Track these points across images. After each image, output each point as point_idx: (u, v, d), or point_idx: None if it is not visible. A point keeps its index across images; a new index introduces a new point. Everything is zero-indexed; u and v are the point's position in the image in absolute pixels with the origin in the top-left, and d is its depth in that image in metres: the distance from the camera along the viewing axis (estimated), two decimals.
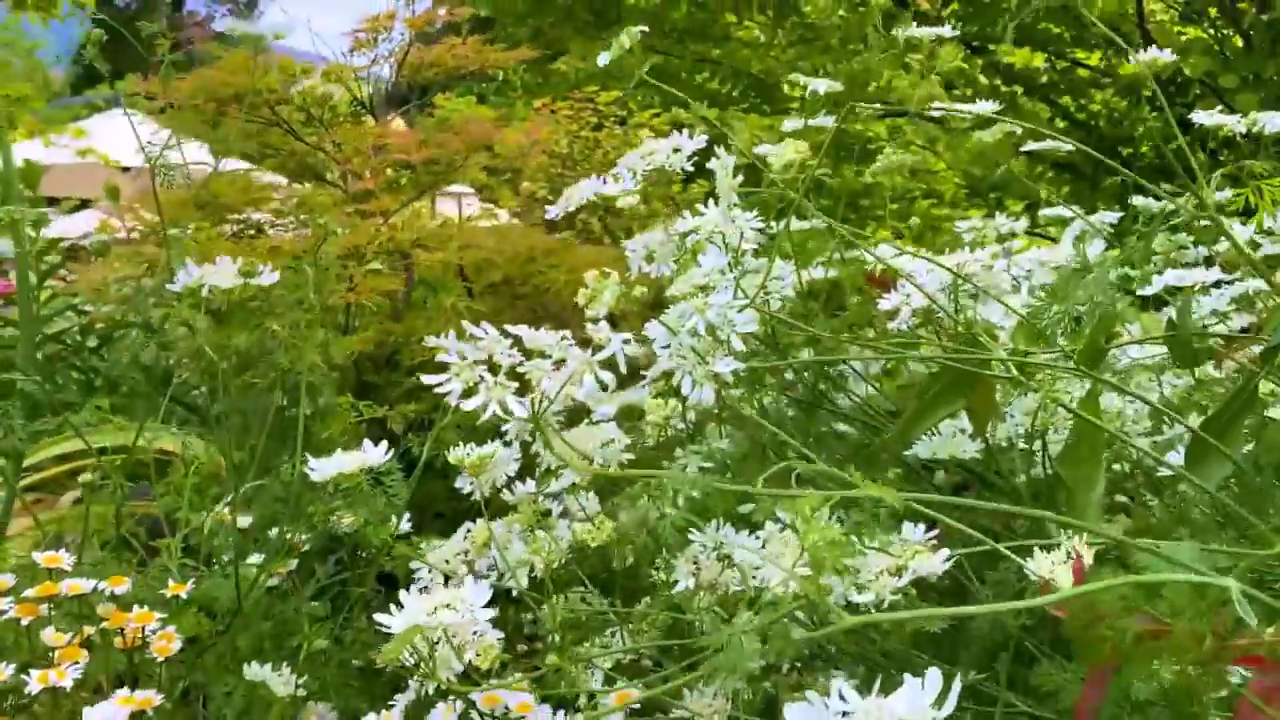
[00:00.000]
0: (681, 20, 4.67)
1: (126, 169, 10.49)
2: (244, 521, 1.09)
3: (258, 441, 1.17)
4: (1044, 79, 4.60)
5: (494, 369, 0.49)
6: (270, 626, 0.81)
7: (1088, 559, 0.46)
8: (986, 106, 0.88)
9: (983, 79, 4.54)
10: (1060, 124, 4.68)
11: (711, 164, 0.70)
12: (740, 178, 0.69)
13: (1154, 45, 3.52)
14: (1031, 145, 1.62)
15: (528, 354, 0.55)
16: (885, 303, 0.72)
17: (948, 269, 0.68)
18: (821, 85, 0.85)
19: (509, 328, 0.53)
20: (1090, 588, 0.36)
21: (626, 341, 0.51)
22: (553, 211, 0.76)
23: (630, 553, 0.64)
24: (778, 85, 4.70)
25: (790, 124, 1.03)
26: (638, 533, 0.62)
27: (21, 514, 1.56)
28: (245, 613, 0.88)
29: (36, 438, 1.67)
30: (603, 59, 0.75)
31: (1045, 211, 1.17)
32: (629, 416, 0.82)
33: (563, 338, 0.51)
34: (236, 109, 1.62)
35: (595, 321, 0.54)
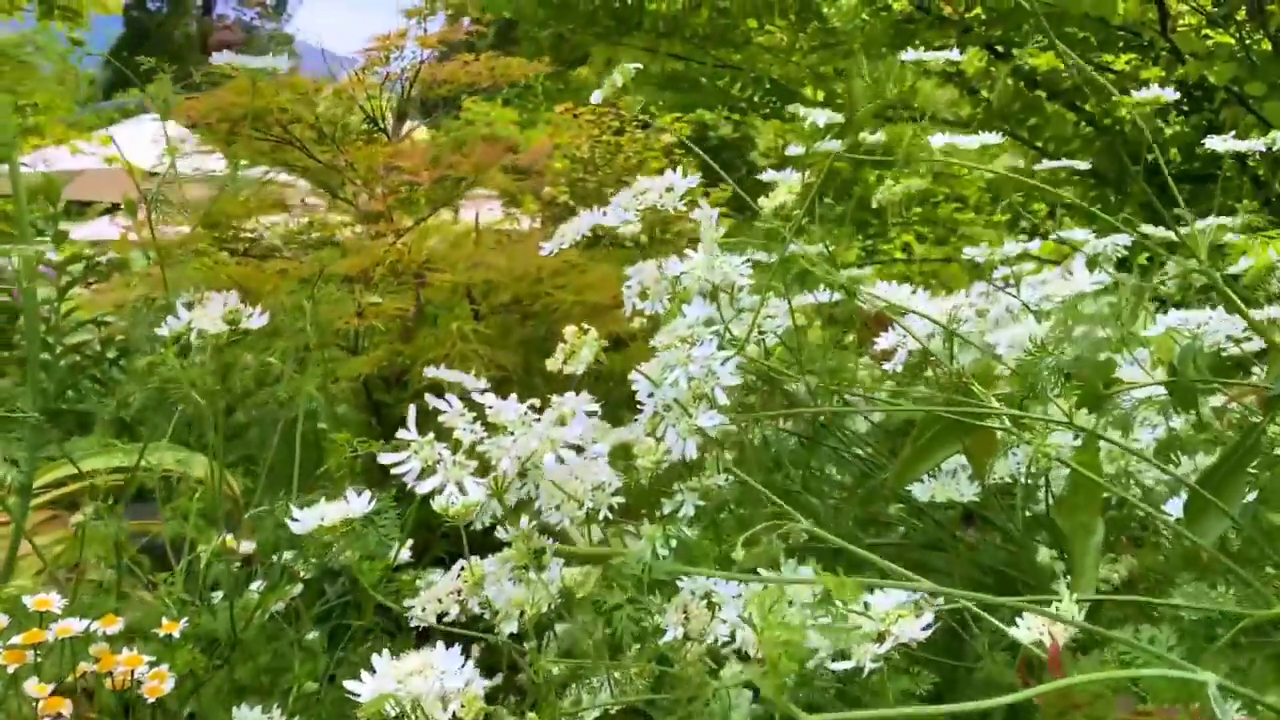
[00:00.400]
0: (703, 25, 4.66)
1: (154, 173, 10.60)
2: (247, 547, 1.10)
3: (261, 468, 1.17)
4: (1068, 83, 4.55)
5: (455, 446, 0.49)
6: (268, 659, 0.81)
7: (1062, 639, 0.45)
8: (991, 139, 0.87)
9: (1007, 83, 4.50)
10: (1085, 129, 4.63)
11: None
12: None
13: (1177, 53, 3.47)
14: (1046, 164, 1.60)
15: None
16: (882, 342, 0.71)
17: (935, 321, 0.67)
18: (821, 117, 0.84)
19: (477, 396, 0.52)
20: (1066, 683, 0.35)
21: (593, 413, 0.50)
22: (548, 248, 0.76)
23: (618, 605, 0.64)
24: (799, 90, 4.68)
25: (792, 149, 1.02)
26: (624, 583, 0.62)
27: (42, 527, 1.57)
28: (245, 644, 0.88)
29: (51, 458, 1.68)
30: (596, 97, 0.74)
31: (1060, 234, 1.15)
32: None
33: (529, 408, 0.51)
34: (249, 128, 1.62)
35: (572, 382, 0.54)
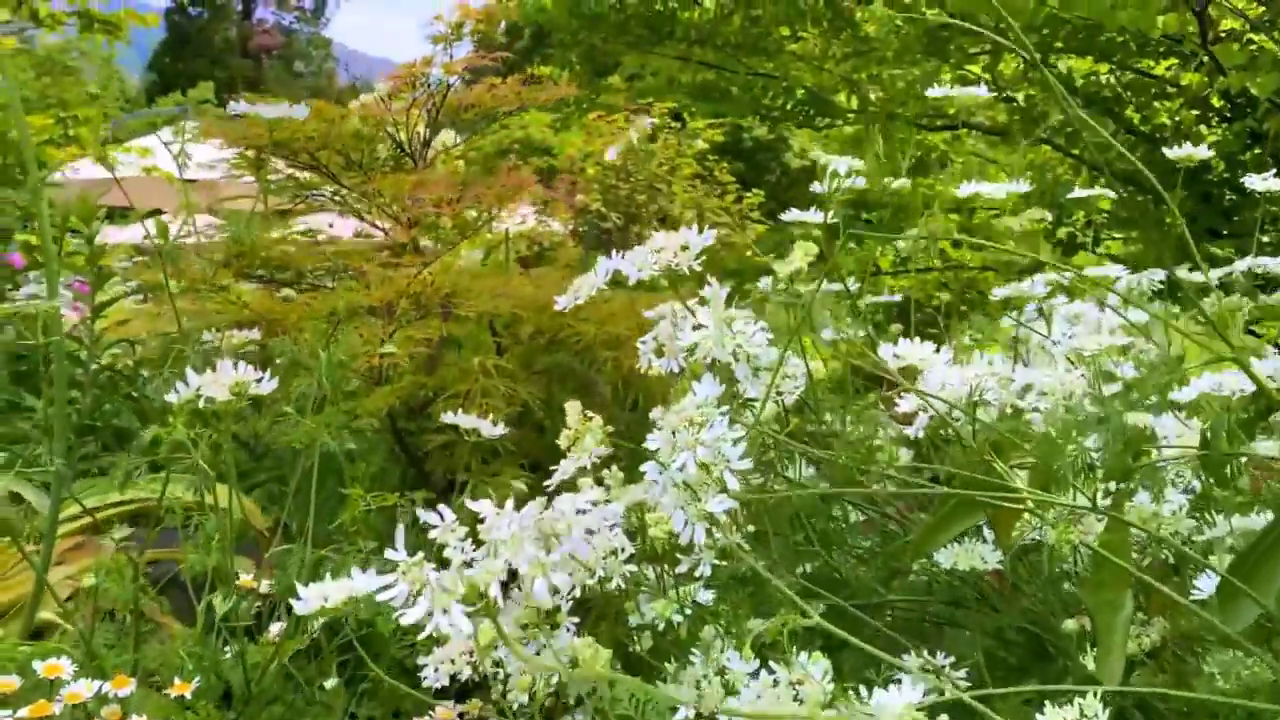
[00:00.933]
0: (734, 34, 4.63)
1: (192, 180, 10.72)
2: (267, 585, 1.10)
3: (286, 494, 1.17)
4: (1106, 91, 4.48)
5: (443, 564, 0.48)
6: (282, 711, 0.81)
7: None
8: (1019, 187, 0.85)
9: (1040, 92, 4.44)
10: (1123, 138, 4.55)
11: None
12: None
13: (1219, 66, 3.39)
14: (1079, 192, 1.56)
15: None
16: (903, 405, 0.69)
17: (952, 404, 0.65)
18: (843, 165, 0.82)
19: (471, 503, 0.51)
20: None
21: (591, 532, 0.49)
22: (563, 302, 0.74)
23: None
24: (831, 97, 4.65)
25: (797, 213, 1.01)
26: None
27: (69, 554, 1.59)
28: (262, 690, 0.88)
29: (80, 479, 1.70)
30: (611, 153, 0.73)
31: (1090, 271, 1.12)
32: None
33: (522, 529, 0.49)
34: (276, 155, 1.63)
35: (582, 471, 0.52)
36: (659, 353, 0.71)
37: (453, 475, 1.38)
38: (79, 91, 4.89)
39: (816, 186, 0.93)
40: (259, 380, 0.70)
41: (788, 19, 4.44)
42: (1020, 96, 4.75)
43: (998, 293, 1.12)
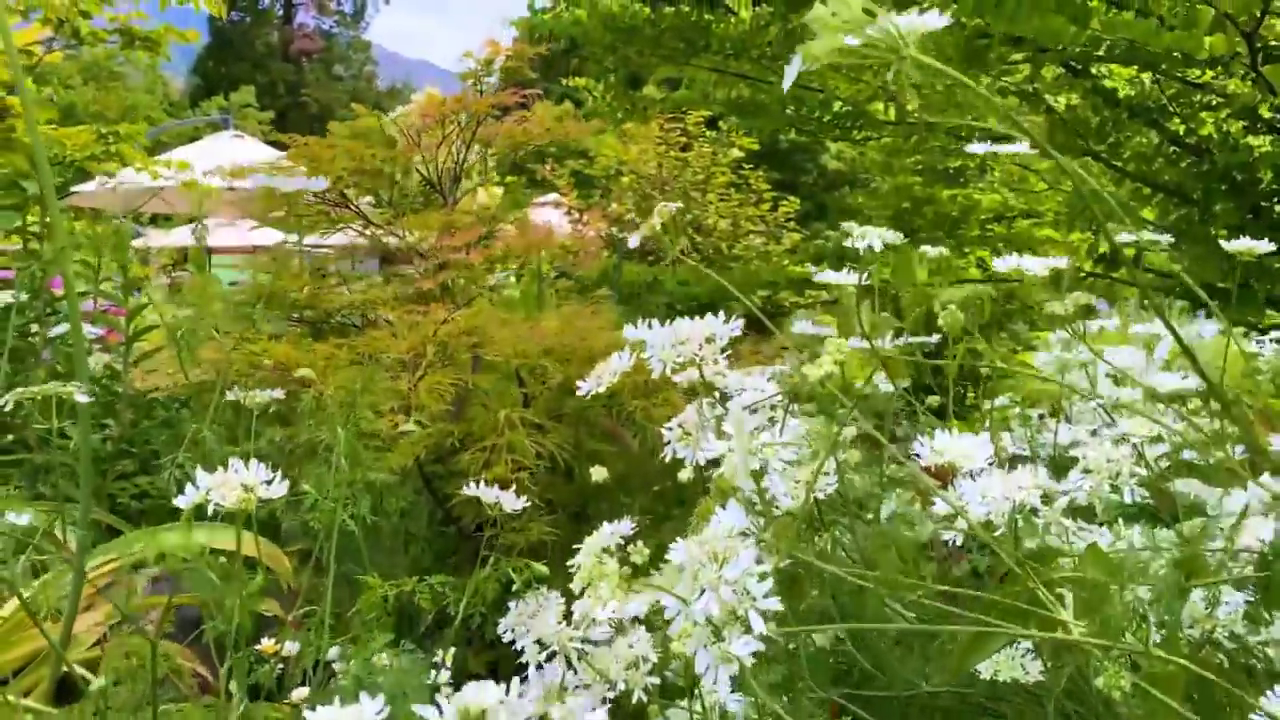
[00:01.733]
0: (771, 46, 4.59)
1: (232, 188, 10.79)
2: (291, 648, 1.08)
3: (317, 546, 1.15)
4: (1151, 100, 4.39)
5: None
6: None
7: None
8: (1060, 263, 0.81)
9: (1085, 103, 4.36)
10: (1168, 150, 4.45)
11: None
12: None
13: (1270, 88, 3.30)
14: (1125, 237, 1.52)
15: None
16: (940, 506, 0.66)
17: (989, 530, 0.61)
18: (876, 240, 0.79)
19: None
20: None
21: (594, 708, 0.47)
22: (586, 387, 0.72)
23: None
24: (869, 108, 4.60)
25: (831, 275, 0.97)
26: None
27: (95, 597, 1.59)
28: None
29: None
30: (633, 243, 0.70)
31: (1138, 328, 1.07)
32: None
33: (517, 695, 0.47)
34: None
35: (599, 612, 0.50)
36: (684, 439, 0.69)
37: (481, 519, 1.37)
38: (120, 102, 4.95)
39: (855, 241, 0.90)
40: (269, 483, 0.69)
41: None
42: (1060, 104, 4.67)
43: (1041, 360, 1.07)
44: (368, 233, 1.62)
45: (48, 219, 2.26)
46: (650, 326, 0.79)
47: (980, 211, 5.37)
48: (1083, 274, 5.04)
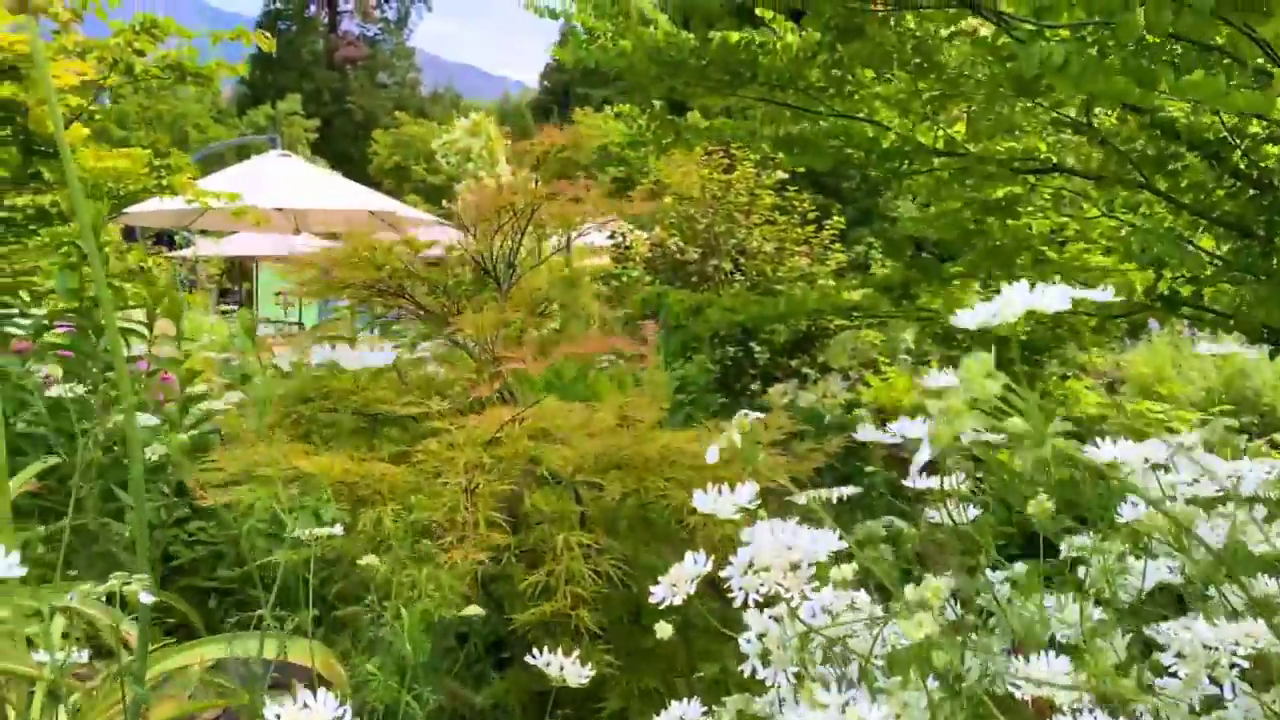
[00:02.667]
0: (817, 77, 4.55)
1: (280, 209, 11.01)
2: None
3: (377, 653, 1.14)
4: (1211, 134, 4.29)
5: None
6: None
7: None
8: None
9: (1142, 136, 4.27)
10: (1228, 182, 4.35)
11: None
12: None
13: None
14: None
15: None
16: None
17: None
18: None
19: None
20: None
21: None
22: (660, 593, 0.70)
23: None
24: (918, 141, 4.54)
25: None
26: None
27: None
28: None
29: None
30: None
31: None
32: None
33: None
34: (362, 280, 1.62)
35: None
36: (765, 659, 0.66)
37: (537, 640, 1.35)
38: (170, 110, 4.98)
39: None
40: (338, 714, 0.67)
41: (873, 62, 4.34)
42: (1117, 136, 4.58)
43: (1125, 515, 1.02)
44: (422, 314, 1.61)
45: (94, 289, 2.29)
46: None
47: (1033, 239, 5.27)
48: (1139, 308, 4.93)
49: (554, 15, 4.56)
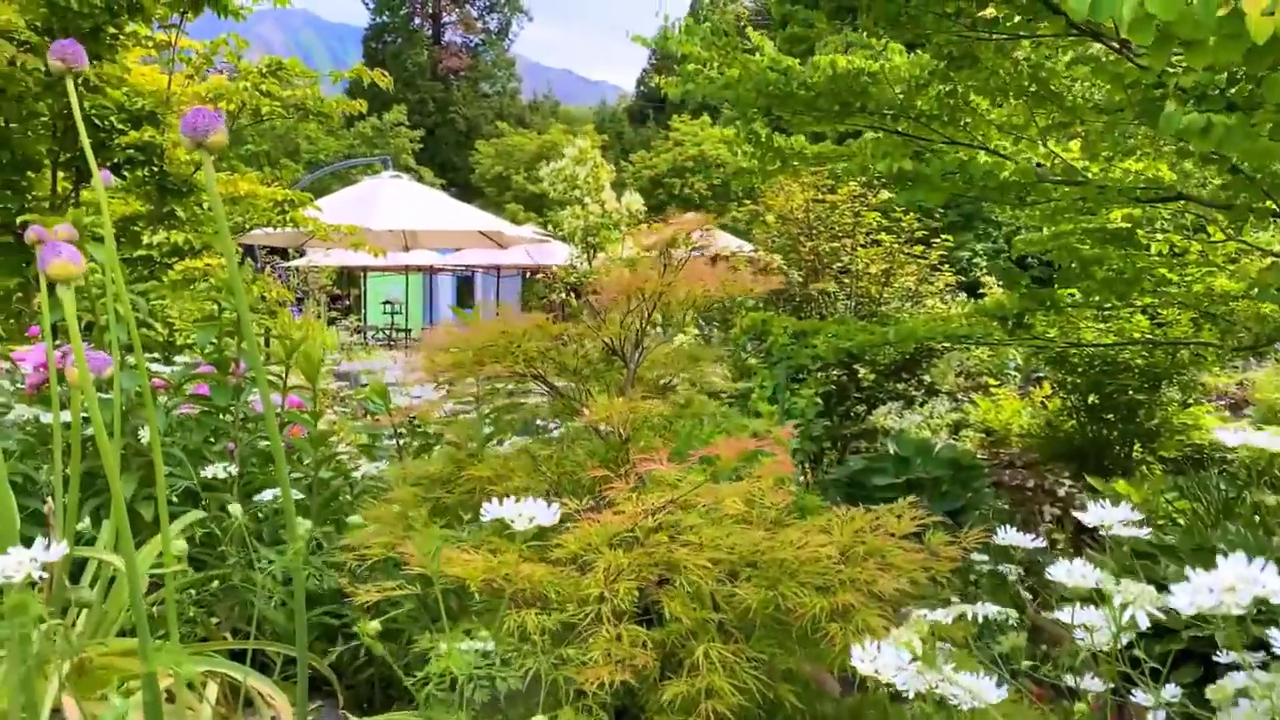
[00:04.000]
0: (929, 106, 4.48)
1: (391, 231, 11.26)
2: None
3: None
4: None
5: None
6: None
7: None
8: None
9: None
10: None
11: None
12: None
13: None
14: None
15: None
16: None
17: None
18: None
19: None
20: None
21: None
22: None
23: None
24: (1035, 170, 4.43)
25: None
26: None
27: None
28: None
29: None
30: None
31: None
32: None
33: None
34: (492, 360, 1.66)
35: None
36: None
37: None
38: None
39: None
40: None
41: (989, 91, 4.26)
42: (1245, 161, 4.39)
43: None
44: (552, 392, 1.65)
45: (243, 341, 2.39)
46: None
47: (1154, 265, 5.08)
48: (1269, 339, 4.71)
49: (666, 50, 4.59)
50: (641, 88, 54.28)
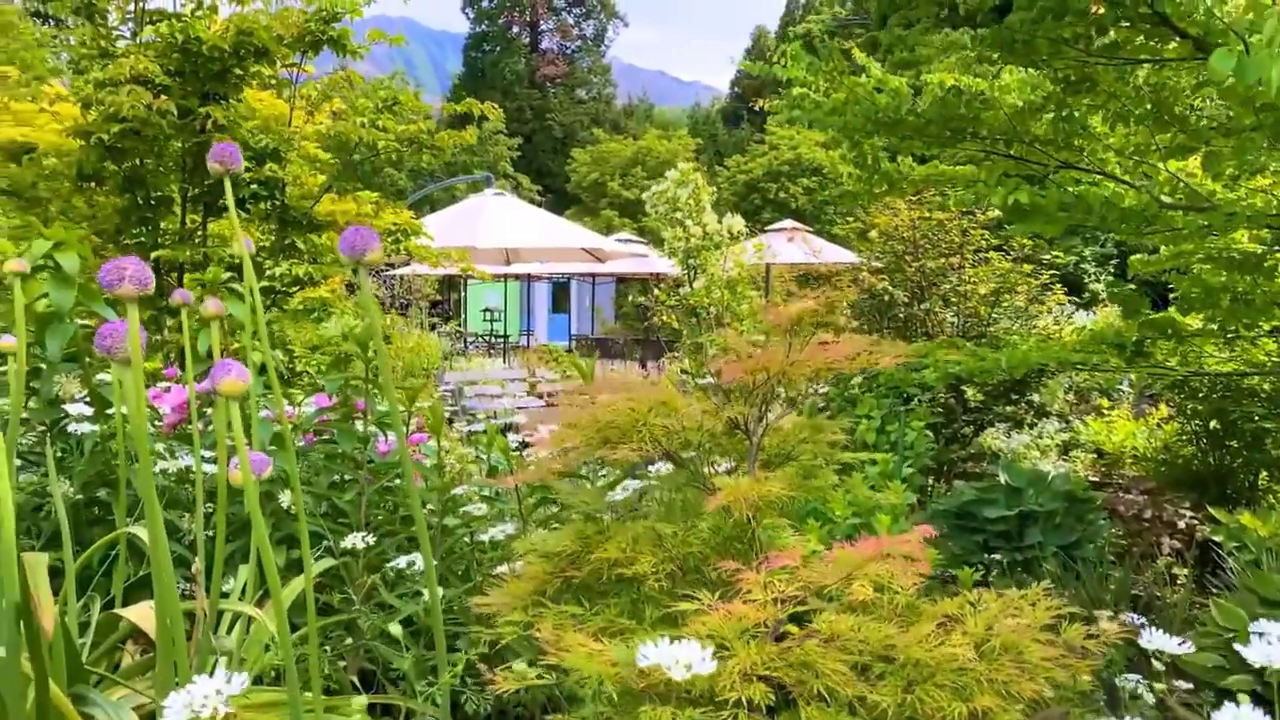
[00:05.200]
0: (1043, 130, 4.38)
1: (496, 247, 11.44)
2: None
3: None
4: None
5: None
6: None
7: None
8: None
9: None
10: None
11: None
12: None
13: None
14: None
15: None
16: None
17: None
18: None
19: None
20: None
21: None
22: None
23: None
24: (1156, 197, 4.28)
25: None
26: None
27: None
28: None
29: None
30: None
31: None
32: None
33: None
34: (619, 437, 1.69)
35: None
36: None
37: None
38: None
39: None
40: None
41: (1106, 114, 4.13)
42: None
43: None
44: (677, 465, 1.67)
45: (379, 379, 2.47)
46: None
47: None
48: None
49: (777, 81, 4.58)
50: (736, 89, 54.06)
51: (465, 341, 18.51)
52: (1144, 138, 4.26)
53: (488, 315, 21.50)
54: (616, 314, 31.75)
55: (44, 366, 2.41)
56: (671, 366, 9.04)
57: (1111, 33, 3.73)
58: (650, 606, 1.55)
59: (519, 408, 9.46)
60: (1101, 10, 3.60)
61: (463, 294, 24.30)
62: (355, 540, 1.92)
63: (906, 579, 1.49)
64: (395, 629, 2.08)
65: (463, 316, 22.80)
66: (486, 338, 20.63)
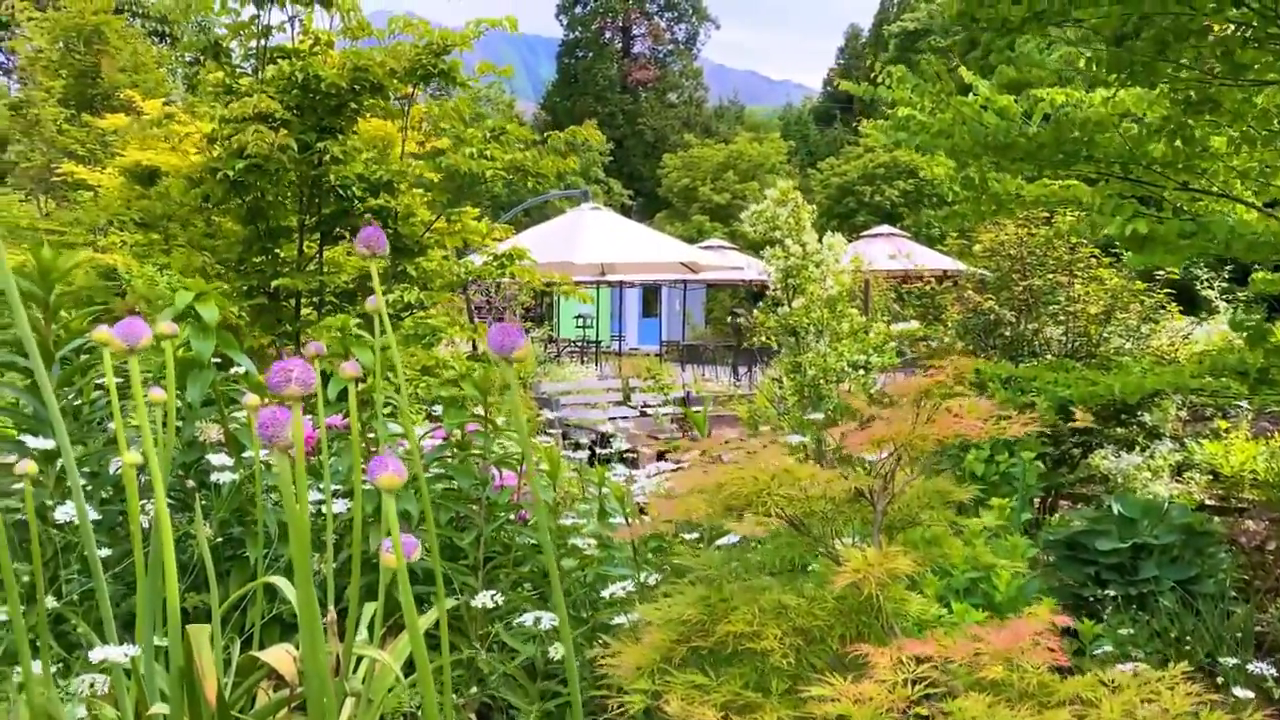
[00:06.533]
0: (1162, 153, 4.24)
1: (591, 263, 11.50)
2: None
3: None
4: None
5: None
6: None
7: None
8: None
9: None
10: None
11: None
12: None
13: None
14: None
15: None
16: None
17: None
18: None
19: None
20: None
21: None
22: None
23: None
24: None
25: None
26: None
27: None
28: None
29: None
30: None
31: None
32: None
33: None
34: (742, 505, 1.70)
35: None
36: None
37: None
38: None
39: None
40: None
41: (1229, 135, 3.98)
42: None
43: None
44: (800, 531, 1.68)
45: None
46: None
47: None
48: None
49: (872, 81, 4.53)
50: (828, 88, 53.42)
51: (558, 348, 18.71)
52: (1271, 158, 4.10)
53: (580, 322, 21.69)
54: (707, 319, 31.71)
55: (183, 409, 2.53)
56: (763, 378, 9.01)
57: (1239, 51, 3.59)
58: (776, 678, 1.56)
59: (610, 418, 9.54)
60: (1229, 30, 3.47)
61: (554, 299, 24.56)
62: (485, 599, 1.98)
63: (1037, 655, 1.48)
64: (515, 670, 2.13)
65: (555, 321, 23.04)
66: (579, 344, 20.83)
